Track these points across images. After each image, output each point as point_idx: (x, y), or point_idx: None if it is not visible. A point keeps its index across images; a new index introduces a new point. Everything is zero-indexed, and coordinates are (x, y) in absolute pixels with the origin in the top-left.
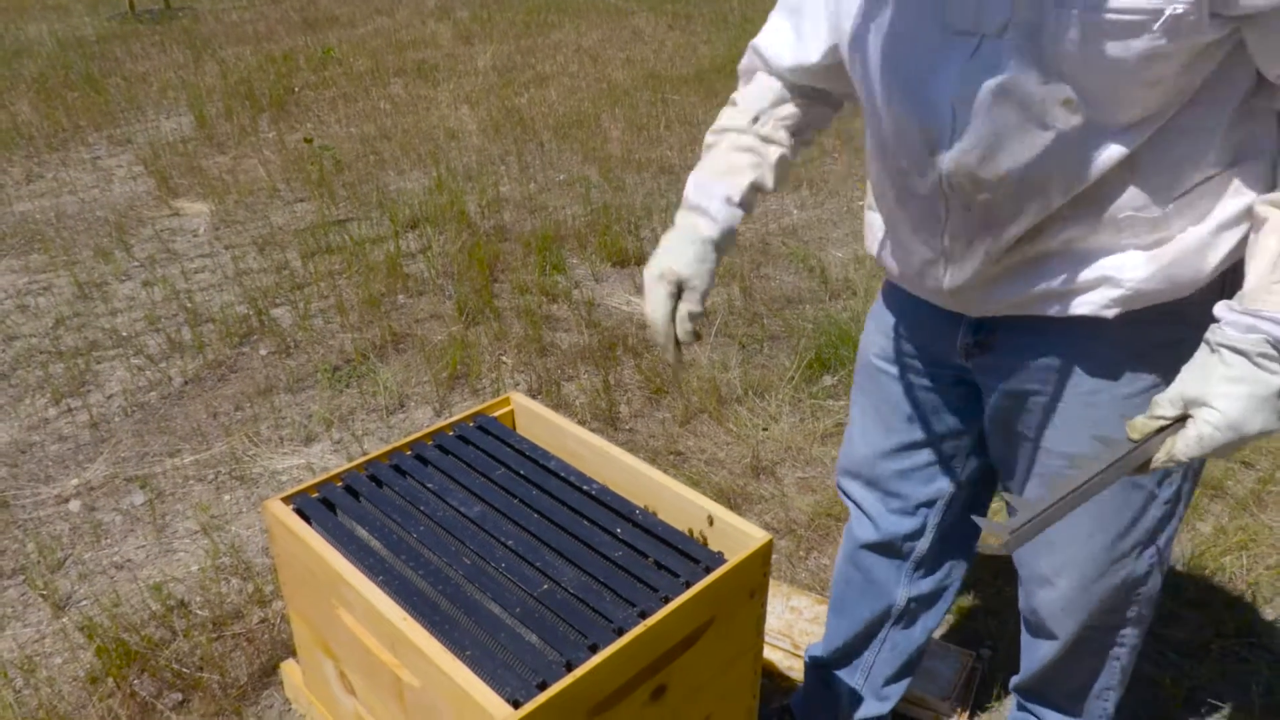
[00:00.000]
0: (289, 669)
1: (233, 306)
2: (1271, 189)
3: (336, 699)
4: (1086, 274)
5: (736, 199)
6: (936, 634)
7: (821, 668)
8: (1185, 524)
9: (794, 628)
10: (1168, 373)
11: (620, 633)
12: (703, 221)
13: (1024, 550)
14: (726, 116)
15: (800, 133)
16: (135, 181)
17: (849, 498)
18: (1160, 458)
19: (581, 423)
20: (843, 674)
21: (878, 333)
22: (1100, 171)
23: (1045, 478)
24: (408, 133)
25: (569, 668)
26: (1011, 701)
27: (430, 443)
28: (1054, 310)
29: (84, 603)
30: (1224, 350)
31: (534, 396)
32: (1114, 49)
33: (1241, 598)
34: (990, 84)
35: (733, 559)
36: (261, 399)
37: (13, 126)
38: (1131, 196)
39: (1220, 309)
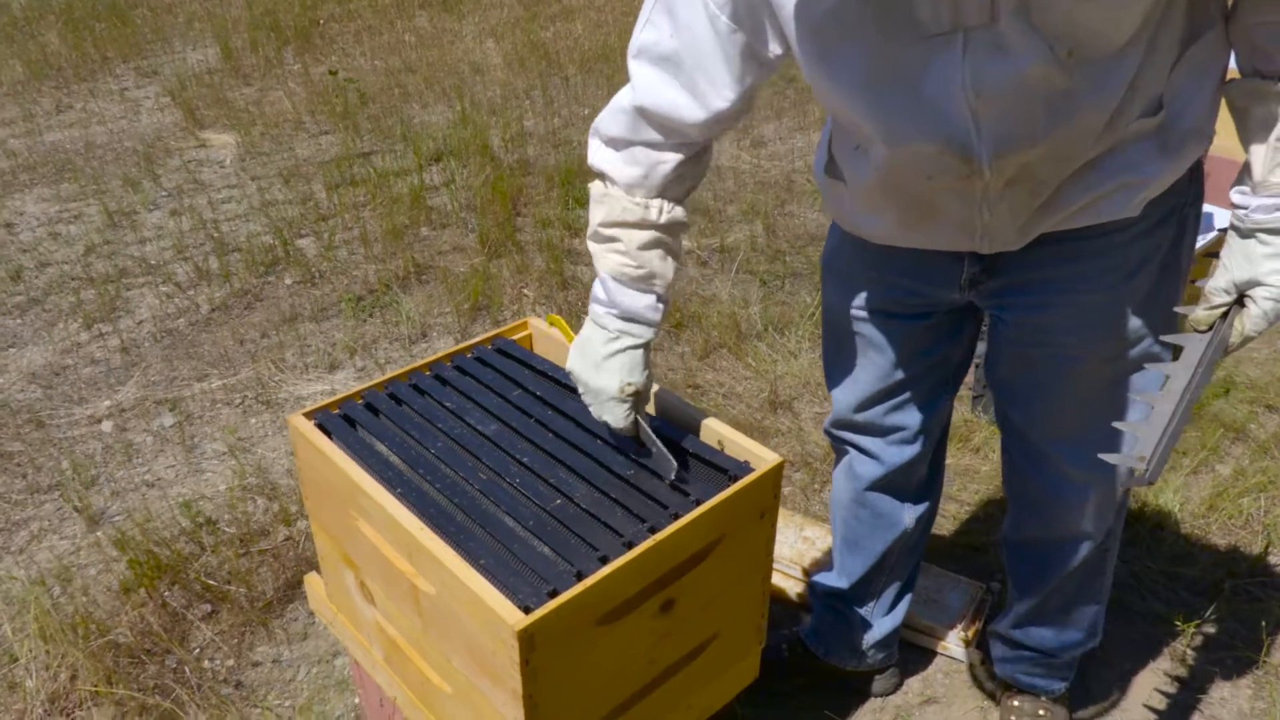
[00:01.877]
0: (312, 581)
1: (259, 236)
2: (1227, 51)
3: (357, 609)
4: (1105, 184)
5: (663, 300)
6: (948, 567)
7: (836, 599)
8: (1204, 465)
9: (806, 557)
10: (1167, 242)
11: (629, 546)
12: (640, 329)
13: (1051, 447)
14: (617, 207)
15: (686, 198)
16: (162, 113)
17: (846, 443)
18: (1235, 340)
19: None
20: (856, 604)
21: (855, 283)
22: (1118, 97)
23: (1072, 385)
24: (432, 66)
25: (579, 578)
26: (995, 643)
27: (449, 363)
28: (1080, 224)
29: (117, 518)
30: (1260, 234)
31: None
32: None
33: (1257, 539)
34: (1004, 72)
35: (743, 479)
36: (287, 327)
37: (42, 57)
38: (1135, 104)
39: (1239, 198)
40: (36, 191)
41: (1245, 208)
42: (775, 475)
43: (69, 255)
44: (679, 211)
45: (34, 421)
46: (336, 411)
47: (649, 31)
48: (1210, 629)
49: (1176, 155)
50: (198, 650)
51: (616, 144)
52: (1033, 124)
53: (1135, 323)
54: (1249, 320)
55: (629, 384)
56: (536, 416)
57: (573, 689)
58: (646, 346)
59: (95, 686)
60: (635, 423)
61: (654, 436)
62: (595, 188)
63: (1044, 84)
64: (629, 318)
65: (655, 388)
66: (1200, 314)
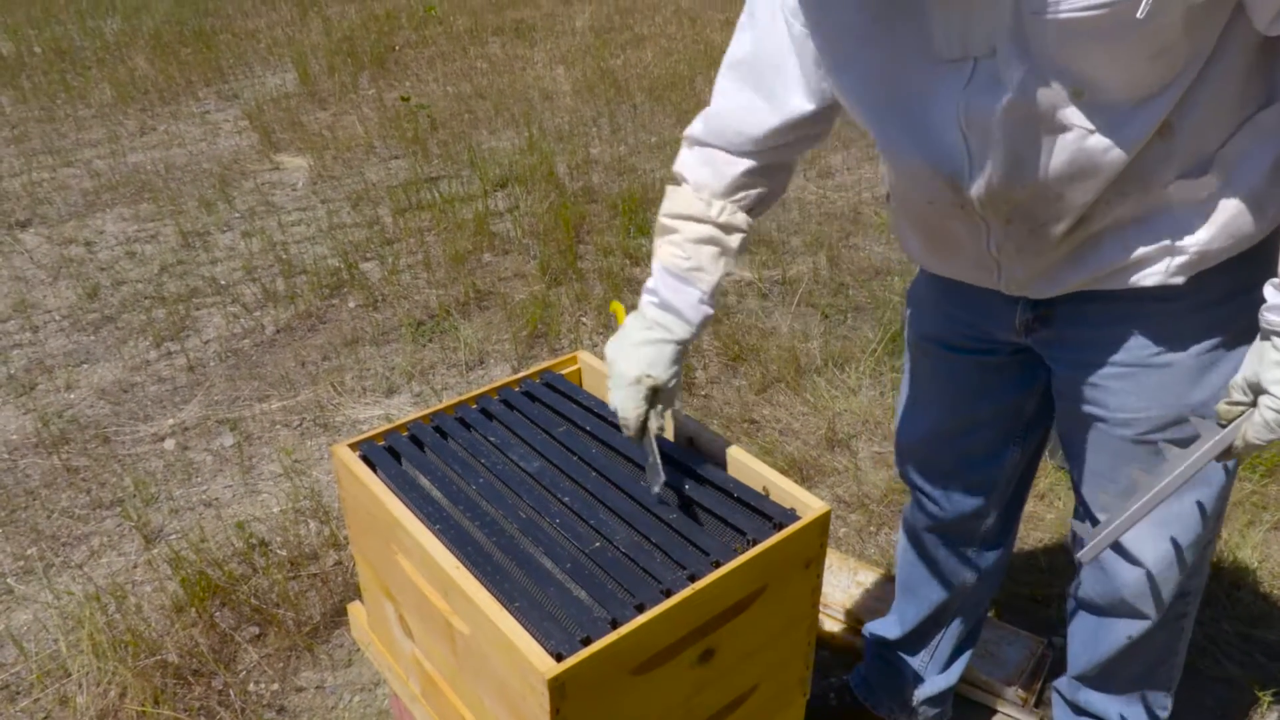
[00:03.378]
0: (355, 610)
1: (325, 259)
2: None
3: (397, 641)
4: (1146, 246)
5: (707, 298)
6: (999, 617)
7: (886, 648)
8: None
9: (858, 602)
10: (1236, 325)
11: (668, 594)
12: (677, 324)
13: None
14: (681, 201)
15: (756, 209)
16: (240, 136)
17: (911, 482)
18: (1238, 444)
19: None
20: (908, 655)
21: (925, 312)
22: (1135, 149)
23: (1115, 452)
24: (502, 92)
25: (614, 625)
26: (1057, 702)
27: (495, 397)
28: (1114, 285)
29: (173, 536)
30: (1274, 337)
31: None
32: (1099, 39)
33: None
34: (995, 105)
35: (788, 528)
36: (348, 350)
37: (130, 80)
38: (1173, 163)
39: (1270, 290)
40: (117, 211)
41: (1269, 302)
42: (822, 524)
43: (143, 274)
44: (741, 217)
45: (100, 437)
46: (381, 443)
47: (735, 42)
48: None
49: (1228, 226)
50: (244, 673)
51: (694, 144)
52: (1024, 161)
53: (1180, 402)
54: (1251, 427)
55: (648, 375)
56: (580, 454)
57: None
58: (680, 345)
59: (143, 706)
60: (643, 419)
61: (655, 442)
62: (670, 186)
63: (1038, 120)
64: (668, 309)
65: (678, 406)
66: (1220, 407)
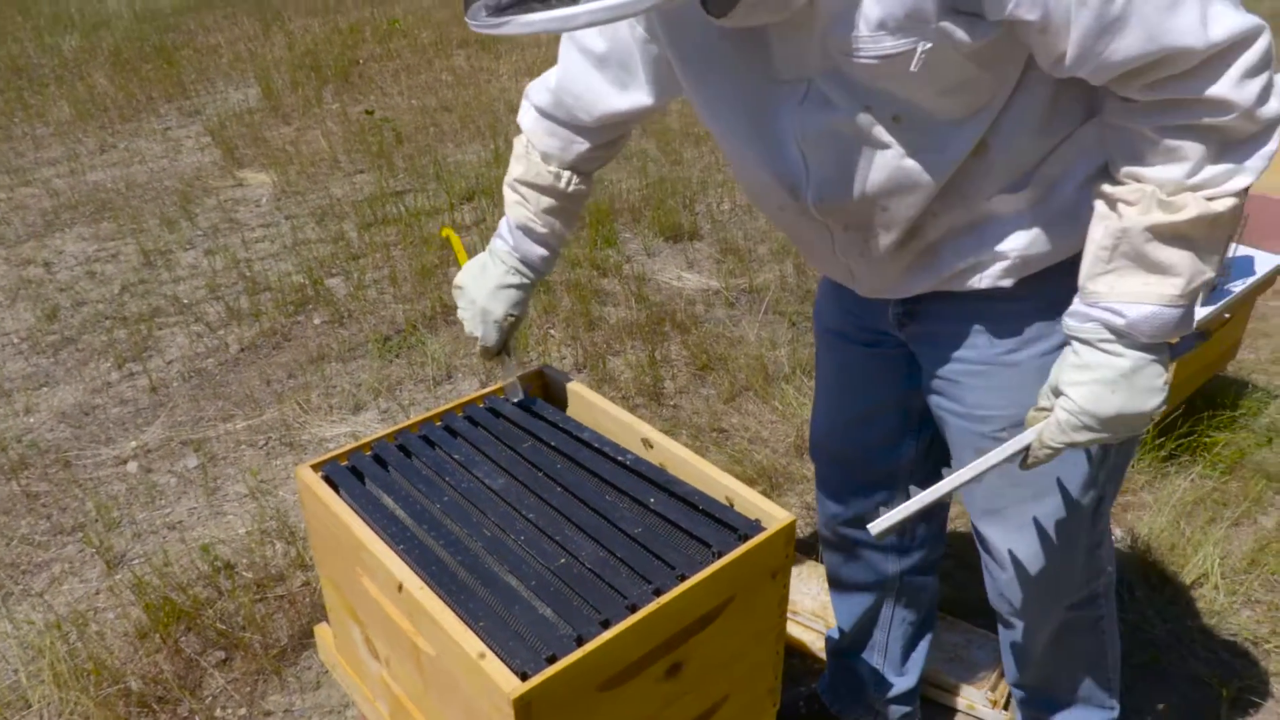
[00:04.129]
0: (322, 632)
1: (290, 276)
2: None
3: (364, 663)
4: (978, 252)
5: (556, 253)
6: (969, 619)
7: (841, 653)
8: (1246, 517)
9: (829, 611)
10: None
11: (634, 609)
12: (532, 273)
13: (981, 524)
14: (532, 169)
15: (593, 173)
16: (202, 152)
17: (820, 476)
18: (1035, 444)
19: (626, 398)
20: (860, 657)
21: (826, 305)
22: (951, 167)
23: (975, 448)
24: (468, 105)
25: (579, 642)
26: (1015, 706)
27: (460, 414)
28: (958, 287)
29: (136, 561)
30: (1073, 341)
31: (580, 370)
32: (900, 78)
33: None
34: (823, 122)
35: (753, 539)
36: (313, 367)
37: (90, 98)
38: (992, 179)
39: (1075, 299)
40: (76, 230)
41: (1069, 311)
42: (787, 534)
43: (104, 294)
44: (585, 186)
45: (61, 461)
46: (345, 463)
47: (584, 33)
48: (1252, 692)
49: (1051, 235)
50: (210, 699)
51: (542, 114)
52: (850, 174)
53: (1030, 401)
54: (1047, 428)
55: (511, 315)
56: (546, 470)
57: None
58: (531, 286)
59: None
60: (504, 347)
61: (513, 366)
62: (519, 142)
63: (861, 138)
64: (527, 263)
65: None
66: (1029, 414)
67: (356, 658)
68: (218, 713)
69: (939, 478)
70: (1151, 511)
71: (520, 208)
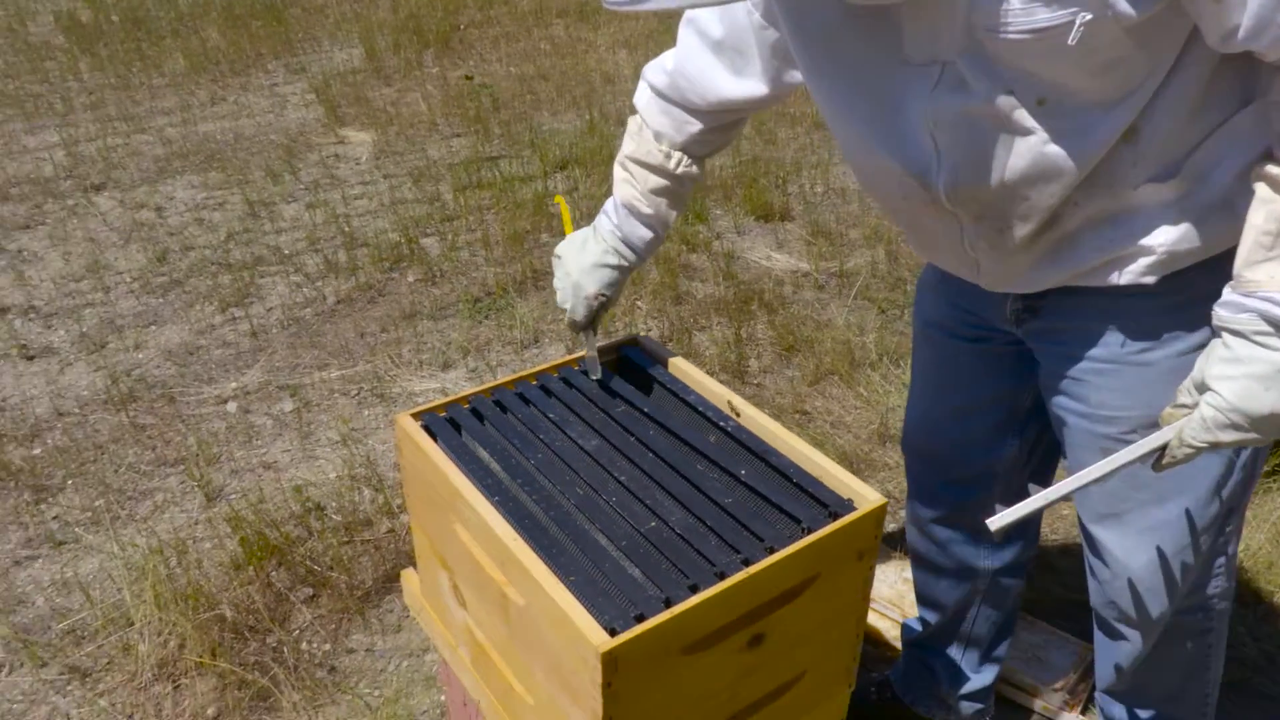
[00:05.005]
0: (408, 577)
1: (386, 233)
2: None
3: (449, 609)
4: (1119, 246)
5: (660, 237)
6: (1049, 620)
7: (918, 646)
8: None
9: (905, 599)
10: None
11: (721, 576)
12: (632, 256)
13: (1096, 528)
14: (644, 148)
15: (711, 155)
16: (307, 109)
17: (911, 471)
18: (1173, 443)
19: (709, 375)
20: (938, 650)
21: (927, 296)
22: (1097, 154)
23: (1099, 449)
24: (565, 75)
25: (668, 604)
26: (1099, 712)
27: (556, 375)
28: (1095, 282)
29: (233, 496)
30: (1224, 333)
31: (665, 343)
32: (1049, 57)
33: None
34: (959, 107)
35: (843, 518)
36: (405, 323)
37: (202, 51)
38: (1140, 167)
39: (1226, 287)
40: (187, 179)
41: (1220, 301)
42: (877, 516)
43: (211, 241)
44: (695, 169)
45: (166, 397)
46: (443, 414)
47: (703, 18)
48: None
49: (1202, 230)
50: (297, 632)
51: (657, 94)
52: (987, 162)
53: (1161, 402)
54: (1189, 425)
55: (603, 295)
56: (638, 435)
57: (652, 715)
58: (630, 271)
59: (200, 658)
60: (590, 325)
61: (595, 342)
62: (633, 121)
63: (1000, 124)
64: (628, 244)
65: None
66: (1164, 412)
67: (442, 604)
68: (304, 645)
69: (1042, 478)
70: (1250, 527)
71: (628, 186)
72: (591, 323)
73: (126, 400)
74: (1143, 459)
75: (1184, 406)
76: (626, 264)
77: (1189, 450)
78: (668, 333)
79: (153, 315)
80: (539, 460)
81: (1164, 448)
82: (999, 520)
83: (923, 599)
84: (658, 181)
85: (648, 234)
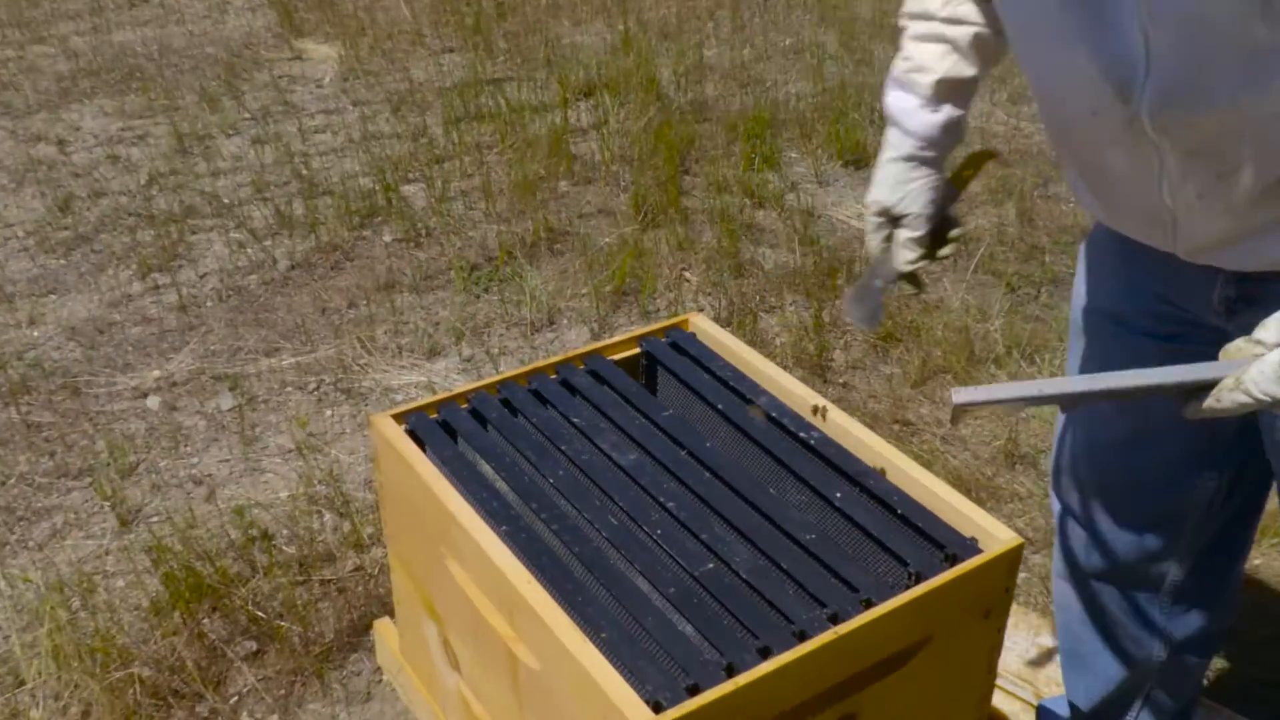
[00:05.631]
0: (383, 629)
1: (356, 179)
2: None
3: (437, 672)
4: None
5: (928, 102)
6: (1235, 706)
7: None
8: None
9: (1042, 674)
10: None
11: (802, 638)
12: (900, 139)
13: None
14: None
15: (992, 48)
16: (254, 14)
17: (1066, 506)
18: (1227, 384)
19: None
20: None
21: (1100, 278)
22: None
23: None
24: None
25: (730, 672)
26: None
27: (582, 366)
28: None
29: (154, 519)
30: None
31: (721, 327)
32: None
33: None
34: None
35: (965, 563)
36: (381, 296)
37: None
38: None
39: None
40: (98, 103)
41: None
42: (1010, 562)
43: (128, 185)
44: (967, 7)
45: (69, 388)
46: (434, 416)
47: None
48: None
49: None
50: (235, 698)
51: None
52: (1212, 77)
53: None
54: (1253, 370)
55: (874, 200)
56: (690, 448)
57: None
58: (908, 162)
59: None
60: (884, 246)
61: (884, 273)
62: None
63: (1236, 28)
64: (892, 122)
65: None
66: (1233, 344)
67: (428, 664)
68: (244, 716)
69: (1243, 524)
70: None
71: (900, 43)
72: (885, 251)
73: (18, 391)
74: (1174, 389)
75: (1260, 345)
76: (899, 154)
77: (1243, 400)
78: (725, 313)
79: (52, 281)
80: (560, 478)
81: (1208, 386)
82: (965, 394)
83: (1073, 678)
84: (922, 27)
85: (911, 99)
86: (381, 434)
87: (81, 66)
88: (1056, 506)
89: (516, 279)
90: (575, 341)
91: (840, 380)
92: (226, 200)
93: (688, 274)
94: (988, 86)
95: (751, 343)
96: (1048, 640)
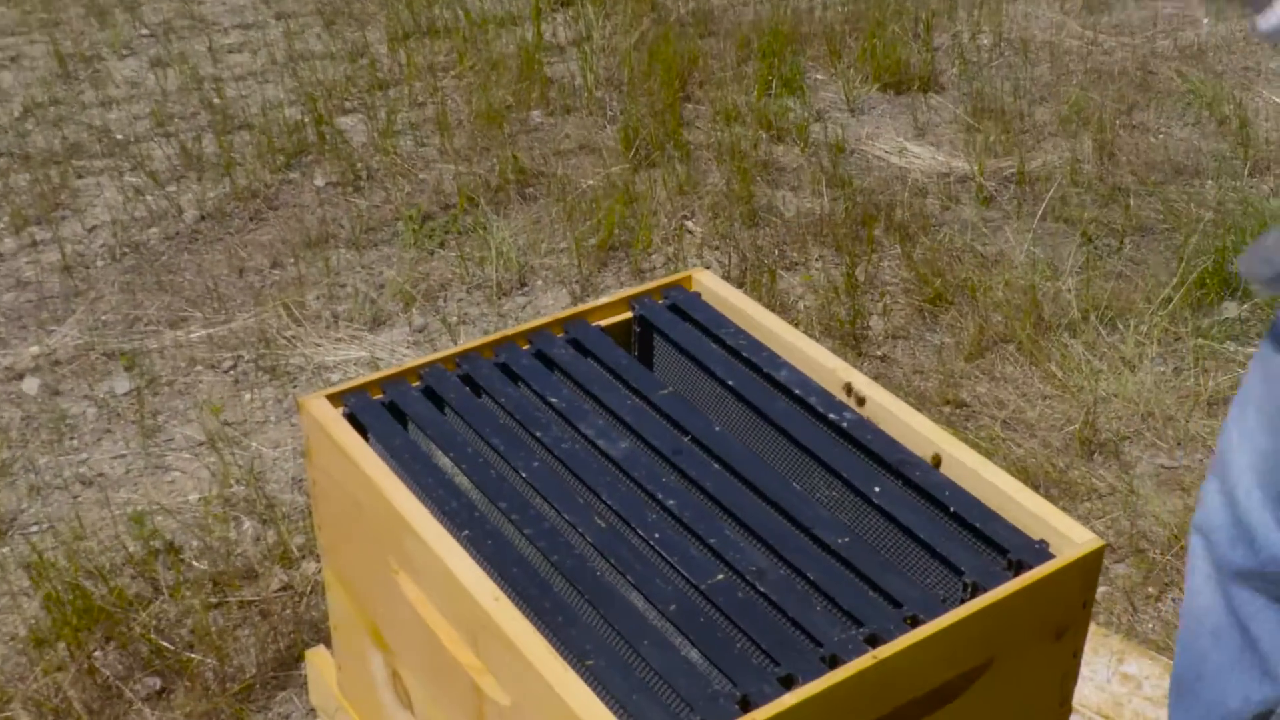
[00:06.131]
0: (317, 660)
1: (280, 109)
2: None
3: (383, 710)
4: None
5: None
6: None
7: None
8: None
9: (1125, 707)
10: None
11: (833, 663)
12: None
13: None
14: None
15: None
16: None
17: (1226, 486)
18: None
19: (810, 337)
20: None
21: None
22: None
23: None
24: None
25: (745, 706)
26: None
27: (561, 334)
28: None
29: (33, 528)
30: None
31: (738, 287)
32: None
33: None
34: None
35: (1032, 571)
36: (311, 253)
37: None
38: None
39: None
40: None
41: None
42: (1088, 570)
43: None
44: None
45: None
46: (379, 397)
47: None
48: None
49: None
50: None
51: None
52: None
53: None
54: None
55: None
56: (695, 433)
57: None
58: None
59: None
60: None
61: None
62: None
63: None
64: None
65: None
66: None
67: (373, 702)
68: None
69: None
70: None
71: None
72: None
73: None
74: None
75: None
76: None
77: None
78: (737, 273)
79: None
80: (535, 471)
81: None
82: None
83: (1188, 702)
84: None
85: None
86: (314, 419)
87: None
88: (1213, 486)
89: (479, 231)
90: (552, 307)
91: (878, 353)
92: (120, 136)
93: (690, 224)
94: None
95: (769, 306)
96: (1133, 668)
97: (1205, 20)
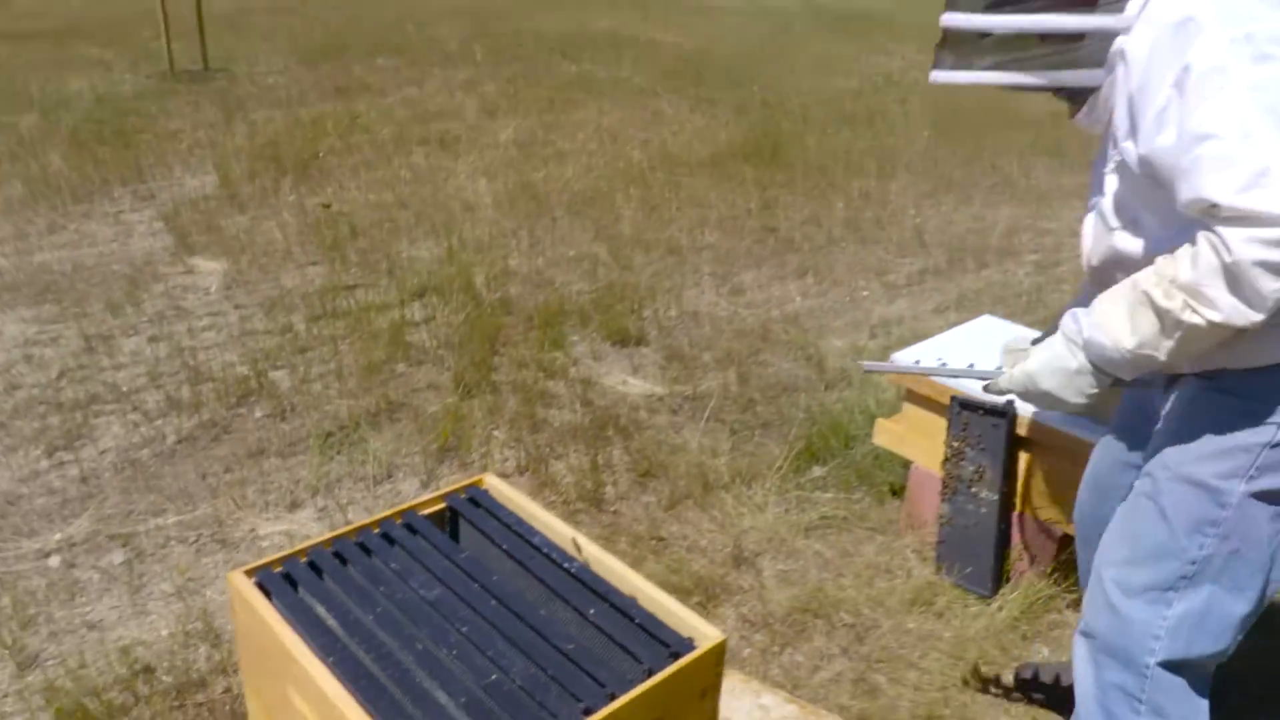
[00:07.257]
0: None
1: (234, 367)
2: None
3: None
4: None
5: None
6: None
7: None
8: None
9: None
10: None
11: None
12: None
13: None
14: None
15: None
16: (154, 237)
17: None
18: (1001, 382)
19: (567, 503)
20: None
21: None
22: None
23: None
24: (425, 202)
25: None
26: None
27: (399, 520)
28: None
29: (50, 663)
30: (1058, 333)
31: (522, 473)
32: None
33: None
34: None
35: (684, 657)
36: (251, 462)
37: (43, 178)
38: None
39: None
40: (17, 312)
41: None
42: (717, 654)
43: (40, 379)
44: None
45: None
46: (279, 569)
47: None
48: None
49: None
50: None
51: None
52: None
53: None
54: (1004, 375)
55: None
56: (482, 582)
57: None
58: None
59: None
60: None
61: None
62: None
63: (1098, 221)
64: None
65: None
66: (1009, 354)
67: None
68: None
69: None
70: None
71: None
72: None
73: None
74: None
75: (1022, 353)
76: None
77: (999, 388)
78: (525, 462)
79: None
80: (378, 614)
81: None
82: (871, 365)
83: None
84: None
85: None
86: (235, 587)
87: (4, 282)
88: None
89: (362, 443)
90: (409, 491)
91: (611, 509)
92: (125, 389)
93: (496, 432)
94: (714, 281)
95: (543, 484)
96: (766, 701)
97: (798, 298)
